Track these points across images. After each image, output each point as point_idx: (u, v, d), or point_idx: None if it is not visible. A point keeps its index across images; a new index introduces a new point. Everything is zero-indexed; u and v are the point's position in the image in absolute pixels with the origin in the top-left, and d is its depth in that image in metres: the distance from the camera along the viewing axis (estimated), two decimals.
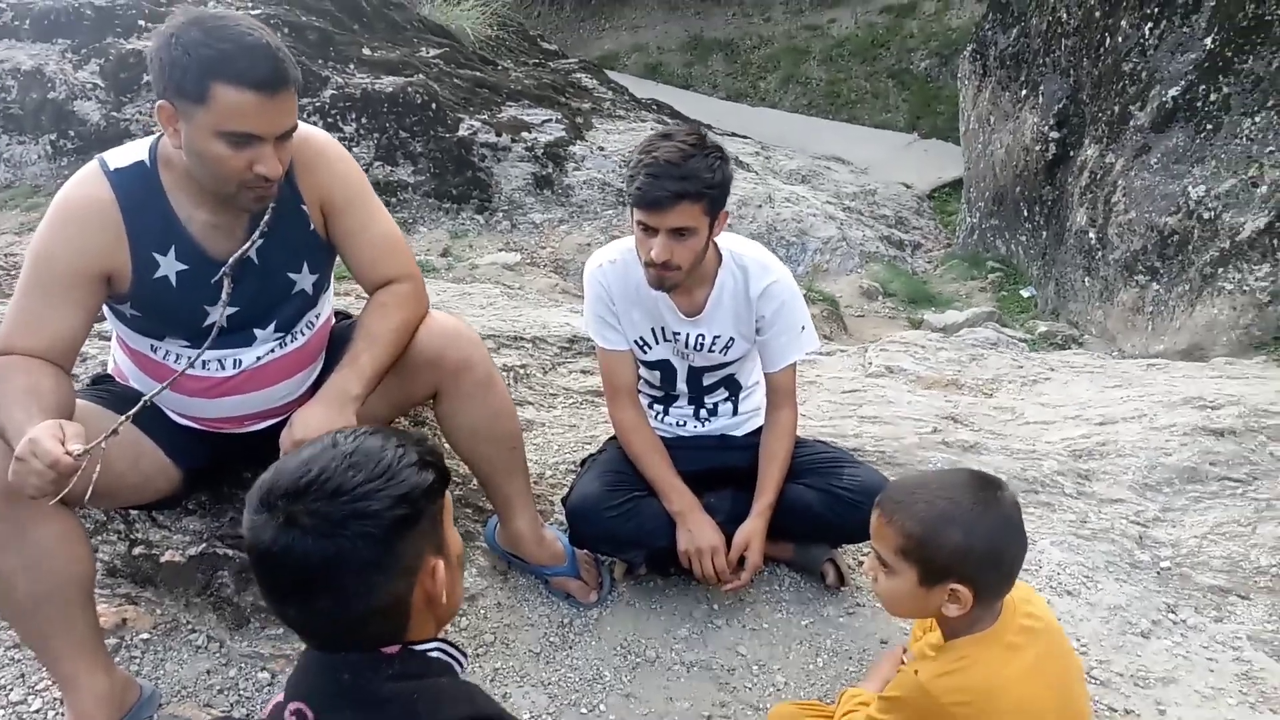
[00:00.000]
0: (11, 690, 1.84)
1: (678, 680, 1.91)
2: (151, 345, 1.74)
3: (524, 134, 6.69)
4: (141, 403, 1.56)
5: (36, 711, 1.81)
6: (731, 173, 1.86)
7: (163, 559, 1.99)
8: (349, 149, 6.58)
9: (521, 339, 3.00)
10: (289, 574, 0.94)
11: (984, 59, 7.00)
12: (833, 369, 3.02)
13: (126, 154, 1.65)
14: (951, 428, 2.60)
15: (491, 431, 1.94)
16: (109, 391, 1.79)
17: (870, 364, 3.10)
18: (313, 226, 1.76)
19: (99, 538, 2.03)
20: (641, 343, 2.07)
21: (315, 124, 6.44)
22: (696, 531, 1.97)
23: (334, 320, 1.98)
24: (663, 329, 2.05)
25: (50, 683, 1.81)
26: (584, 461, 2.20)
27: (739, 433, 2.18)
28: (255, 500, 0.97)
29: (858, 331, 5.71)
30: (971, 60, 7.13)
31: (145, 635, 1.93)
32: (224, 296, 1.65)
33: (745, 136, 9.26)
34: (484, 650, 1.95)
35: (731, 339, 2.04)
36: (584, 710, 1.85)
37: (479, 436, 1.94)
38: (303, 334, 1.84)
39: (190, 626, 1.95)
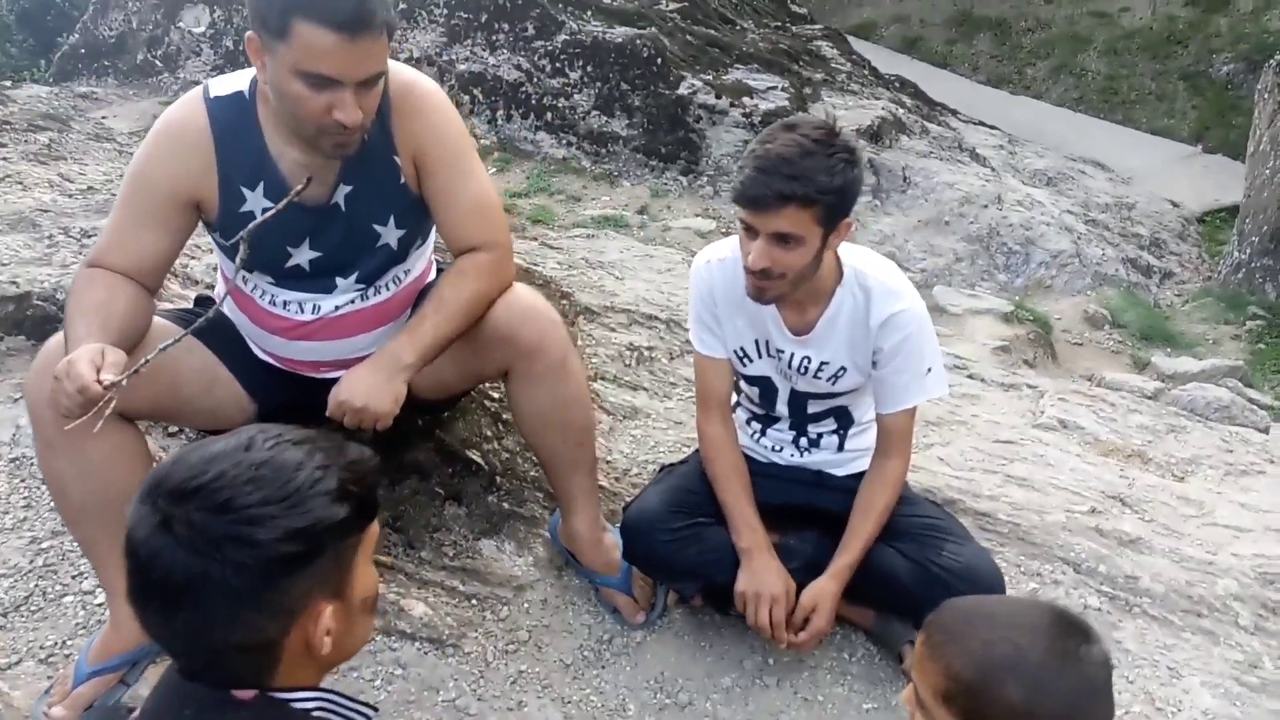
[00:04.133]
0: (84, 580, 1.94)
1: None
2: (242, 276, 1.73)
3: (744, 99, 6.44)
4: (175, 340, 1.54)
5: (100, 604, 1.90)
6: (859, 178, 1.59)
7: None
8: (570, 96, 6.66)
9: (656, 319, 2.84)
10: (153, 580, 0.85)
11: None
12: (993, 410, 2.63)
13: (229, 83, 1.64)
14: (1115, 511, 2.18)
15: (560, 421, 1.82)
16: (194, 314, 1.81)
17: (1041, 413, 2.68)
18: (403, 180, 1.68)
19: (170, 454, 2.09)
20: (742, 353, 1.85)
21: (544, 68, 6.56)
22: (760, 574, 1.76)
23: (433, 278, 1.91)
24: (766, 343, 1.82)
25: None
26: (664, 468, 2.03)
27: (840, 472, 1.92)
28: (144, 488, 0.88)
29: (1069, 362, 5.08)
30: (1276, 71, 6.08)
31: None
32: (238, 261, 1.58)
33: (993, 127, 8.48)
34: (515, 648, 1.85)
35: (843, 368, 1.78)
36: None
37: (546, 424, 1.82)
38: (386, 289, 1.78)
39: None
